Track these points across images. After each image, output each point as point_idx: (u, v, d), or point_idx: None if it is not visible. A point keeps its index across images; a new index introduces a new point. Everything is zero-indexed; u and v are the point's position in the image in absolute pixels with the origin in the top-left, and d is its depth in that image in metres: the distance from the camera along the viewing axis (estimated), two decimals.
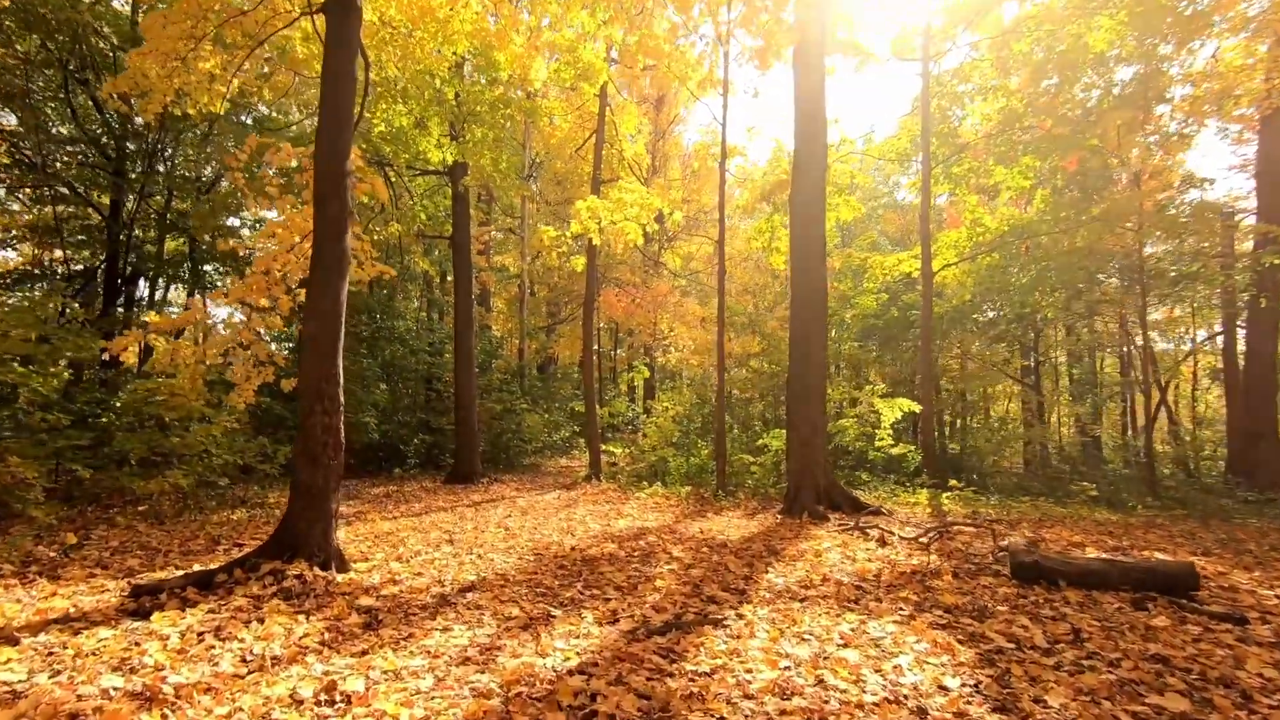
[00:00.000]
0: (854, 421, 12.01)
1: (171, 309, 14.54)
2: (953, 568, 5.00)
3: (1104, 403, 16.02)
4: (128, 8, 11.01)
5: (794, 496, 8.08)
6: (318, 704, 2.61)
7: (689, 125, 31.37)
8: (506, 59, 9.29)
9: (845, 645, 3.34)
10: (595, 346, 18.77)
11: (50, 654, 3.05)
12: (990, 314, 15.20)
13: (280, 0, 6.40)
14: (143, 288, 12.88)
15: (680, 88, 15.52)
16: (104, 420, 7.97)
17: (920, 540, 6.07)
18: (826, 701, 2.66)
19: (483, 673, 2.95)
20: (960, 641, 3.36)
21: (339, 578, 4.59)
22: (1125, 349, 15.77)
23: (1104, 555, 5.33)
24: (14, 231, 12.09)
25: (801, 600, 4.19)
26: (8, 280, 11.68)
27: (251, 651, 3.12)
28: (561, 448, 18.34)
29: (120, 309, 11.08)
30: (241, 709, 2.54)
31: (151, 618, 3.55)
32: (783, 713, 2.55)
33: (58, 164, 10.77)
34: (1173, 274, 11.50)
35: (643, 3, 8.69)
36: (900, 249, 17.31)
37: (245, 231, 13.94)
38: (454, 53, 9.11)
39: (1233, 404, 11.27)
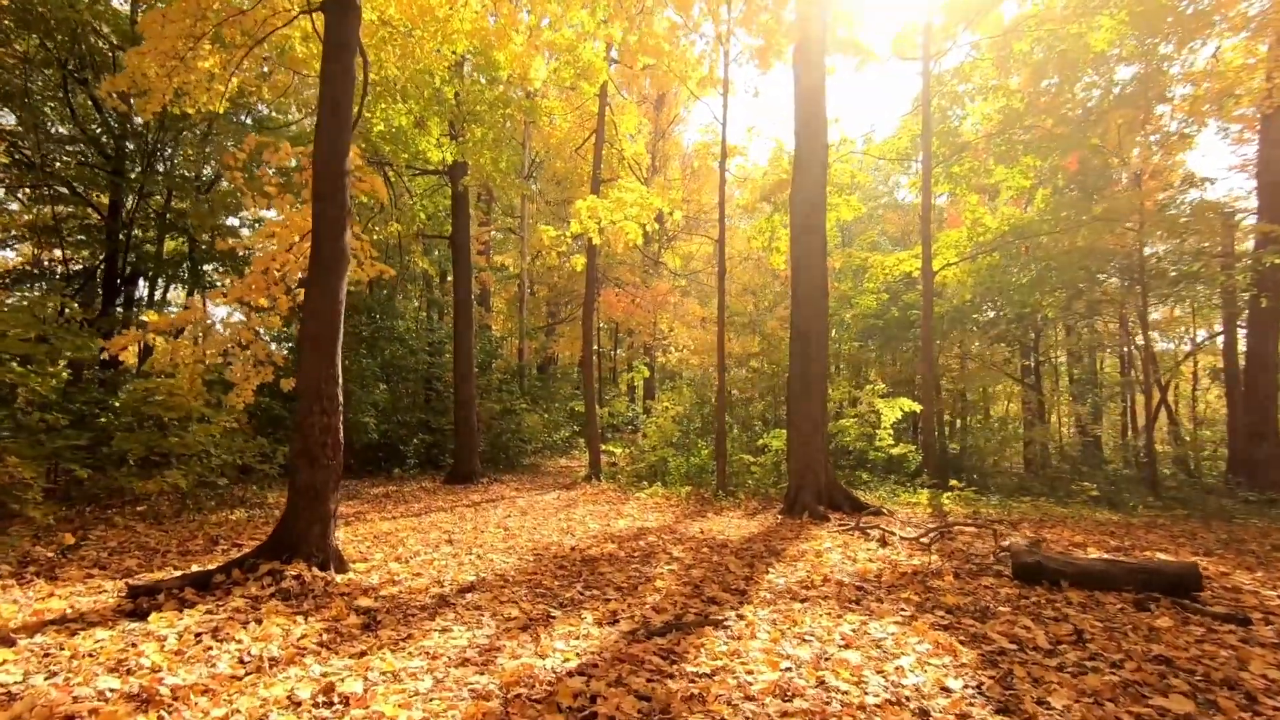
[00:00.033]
0: (854, 421, 11.99)
1: (171, 309, 14.51)
2: (954, 568, 4.98)
3: (1104, 403, 16.00)
4: (127, 7, 10.99)
5: (794, 497, 8.07)
6: (315, 706, 2.59)
7: (689, 125, 31.37)
8: (506, 58, 9.27)
9: (847, 646, 3.32)
10: (595, 346, 18.74)
11: (47, 655, 3.03)
12: (990, 314, 15.20)
13: None
14: (142, 288, 12.87)
15: (680, 87, 15.51)
16: (102, 420, 7.95)
17: (921, 540, 6.05)
18: (828, 703, 2.64)
19: (482, 674, 2.93)
20: (962, 642, 3.34)
21: (338, 578, 4.57)
22: (1125, 349, 15.76)
23: (1106, 556, 5.32)
24: (13, 231, 12.06)
25: (802, 601, 4.17)
26: (7, 280, 11.66)
27: (249, 653, 3.10)
28: (561, 448, 18.33)
29: (119, 309, 11.07)
30: (238, 711, 2.52)
31: (149, 618, 3.53)
32: (784, 715, 2.53)
33: (57, 163, 10.75)
34: (1173, 274, 11.49)
35: (642, 2, 8.68)
36: (901, 249, 17.30)
37: (245, 231, 13.92)
38: (453, 52, 9.08)
39: (1233, 404, 11.25)
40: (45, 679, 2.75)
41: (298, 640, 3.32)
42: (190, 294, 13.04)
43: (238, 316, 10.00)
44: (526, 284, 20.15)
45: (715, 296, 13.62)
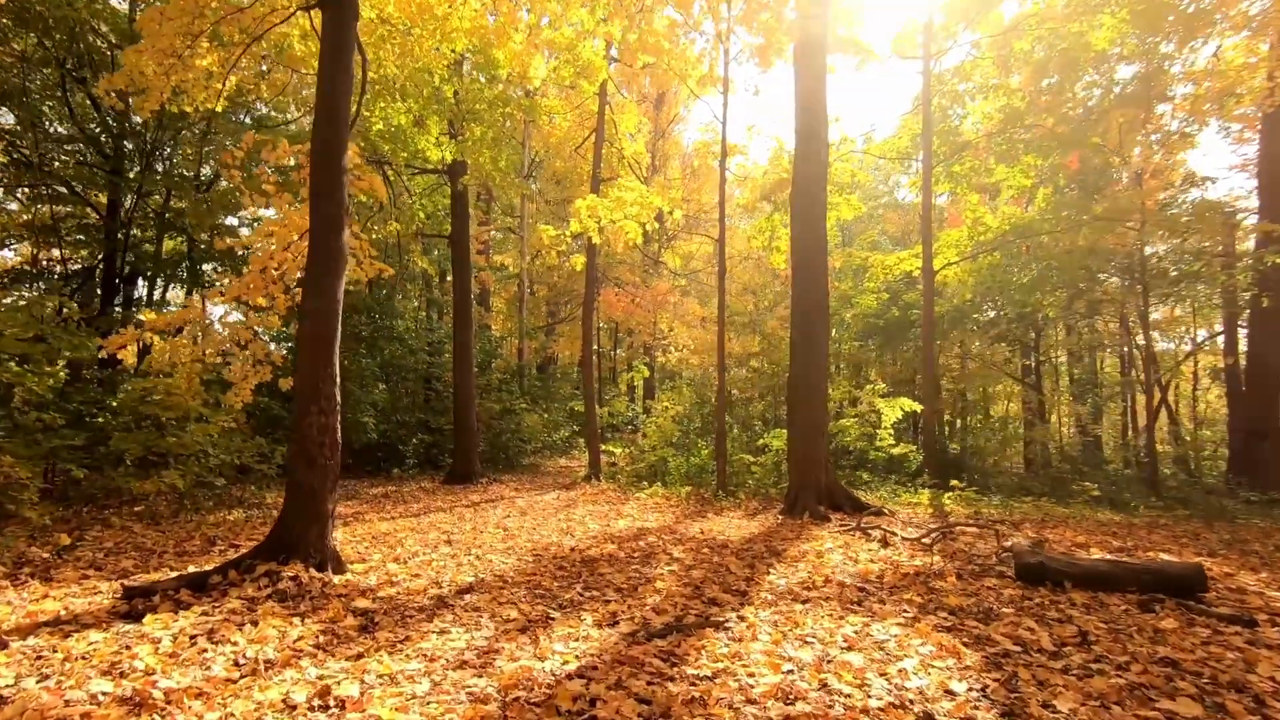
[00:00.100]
0: (855, 421, 11.96)
1: (170, 309, 14.47)
2: (956, 569, 4.95)
3: (1105, 403, 15.98)
4: (125, 5, 10.95)
5: (795, 497, 8.03)
6: (311, 709, 2.55)
7: (689, 124, 31.33)
8: (505, 57, 9.24)
9: (849, 648, 3.28)
10: (595, 346, 18.71)
11: (39, 657, 2.99)
12: (991, 313, 15.17)
13: None
14: (141, 287, 12.84)
15: (680, 86, 15.48)
16: (100, 420, 7.91)
17: (923, 541, 6.02)
18: (831, 706, 2.61)
19: (480, 677, 2.90)
20: (966, 644, 3.30)
21: (335, 579, 4.54)
22: (1126, 349, 15.73)
23: (1109, 556, 5.28)
24: (11, 231, 12.02)
25: (804, 602, 4.14)
26: (5, 280, 11.62)
27: (245, 655, 3.07)
28: (561, 448, 18.29)
29: (118, 308, 11.03)
30: (232, 714, 2.48)
31: (144, 620, 3.49)
32: (786, 718, 2.50)
33: (55, 163, 10.71)
34: (1174, 273, 11.46)
35: (642, 1, 8.64)
36: (901, 248, 17.27)
37: (244, 231, 13.88)
38: (452, 50, 9.05)
39: (1234, 404, 11.23)
40: (37, 682, 2.71)
41: (294, 642, 3.28)
42: (189, 293, 13.00)
43: (237, 316, 9.96)
44: (526, 283, 20.12)
45: (715, 296, 13.59)
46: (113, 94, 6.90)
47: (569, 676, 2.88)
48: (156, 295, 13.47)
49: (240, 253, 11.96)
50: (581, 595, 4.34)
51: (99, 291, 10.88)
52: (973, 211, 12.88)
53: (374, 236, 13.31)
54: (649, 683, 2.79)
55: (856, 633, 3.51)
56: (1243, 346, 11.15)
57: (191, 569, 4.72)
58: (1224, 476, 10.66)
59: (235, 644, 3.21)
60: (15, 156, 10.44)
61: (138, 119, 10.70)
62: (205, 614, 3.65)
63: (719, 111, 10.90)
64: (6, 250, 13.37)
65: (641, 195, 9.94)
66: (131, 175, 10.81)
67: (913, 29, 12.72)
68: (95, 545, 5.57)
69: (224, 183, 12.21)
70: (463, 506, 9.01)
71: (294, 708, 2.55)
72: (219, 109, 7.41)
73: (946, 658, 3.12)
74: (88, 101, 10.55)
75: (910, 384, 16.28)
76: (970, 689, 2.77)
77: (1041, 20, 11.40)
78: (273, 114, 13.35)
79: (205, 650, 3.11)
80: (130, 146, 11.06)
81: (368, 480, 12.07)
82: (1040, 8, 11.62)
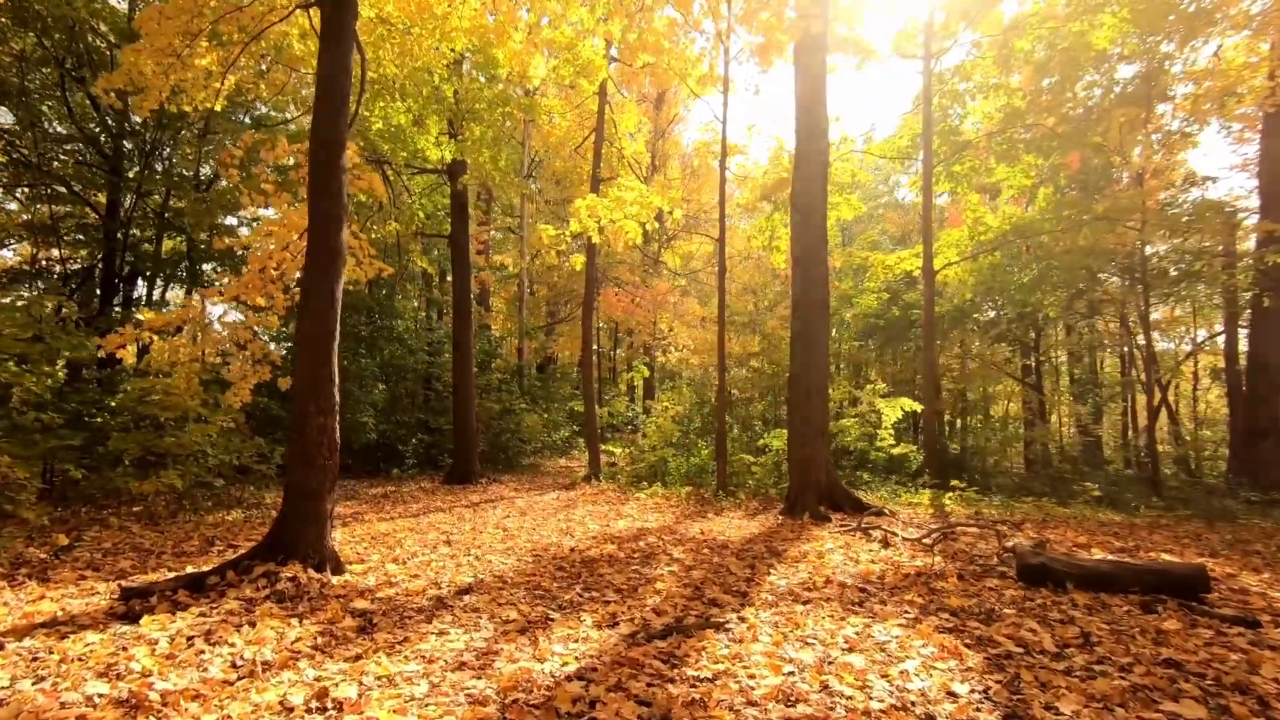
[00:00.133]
0: (855, 421, 11.94)
1: (169, 309, 14.45)
2: (957, 569, 4.93)
3: (1105, 403, 15.95)
4: (124, 4, 10.93)
5: (795, 497, 8.01)
6: (308, 711, 2.54)
7: (689, 124, 31.33)
8: (505, 56, 9.21)
9: (850, 649, 3.26)
10: (595, 346, 18.69)
11: (35, 659, 2.97)
12: (991, 313, 15.15)
13: None
14: (141, 287, 12.82)
15: (680, 86, 15.45)
16: (99, 420, 7.89)
17: (924, 541, 6.00)
18: (832, 708, 2.59)
19: (479, 678, 2.88)
20: (968, 645, 3.28)
21: (334, 580, 4.52)
22: (1126, 349, 15.71)
23: (1111, 557, 5.26)
24: (11, 230, 12.00)
25: (805, 603, 4.12)
26: (4, 279, 11.60)
27: (242, 656, 3.05)
28: (561, 448, 18.27)
29: (118, 308, 11.01)
30: (229, 716, 2.46)
31: (140, 621, 3.48)
32: None
33: (54, 162, 10.69)
34: (1174, 273, 11.44)
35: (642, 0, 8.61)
36: (901, 248, 17.26)
37: (243, 231, 13.87)
38: (452, 50, 9.03)
39: (1234, 404, 11.21)
40: (33, 684, 2.69)
41: (292, 644, 3.26)
42: (189, 293, 12.98)
43: (236, 316, 9.96)
44: (526, 283, 20.10)
45: (715, 296, 13.57)
46: (111, 93, 6.88)
47: (568, 678, 2.86)
48: (156, 295, 13.45)
49: (239, 252, 11.95)
50: (581, 596, 4.32)
51: (98, 291, 10.86)
52: (973, 211, 12.87)
53: (373, 236, 13.29)
54: (649, 684, 2.78)
55: (858, 634, 3.49)
56: (1243, 346, 11.14)
57: (189, 570, 4.70)
58: (1224, 477, 10.64)
59: (233, 645, 3.19)
60: (14, 156, 10.42)
61: (137, 118, 10.68)
62: (203, 615, 3.63)
63: (719, 111, 10.89)
64: (6, 250, 13.36)
65: (641, 195, 9.91)
66: (131, 175, 10.79)
67: (913, 28, 12.71)
68: (93, 546, 5.55)
69: (223, 182, 12.20)
70: (462, 507, 8.99)
71: (291, 710, 2.53)
72: (218, 108, 7.39)
73: (948, 659, 3.10)
74: (87, 101, 10.53)
75: (910, 384, 16.26)
76: (972, 691, 2.75)
77: (1042, 19, 11.38)
78: (272, 113, 13.33)
79: (202, 652, 3.09)
80: (129, 146, 11.04)
81: (367, 480, 12.05)
82: (1041, 7, 11.60)
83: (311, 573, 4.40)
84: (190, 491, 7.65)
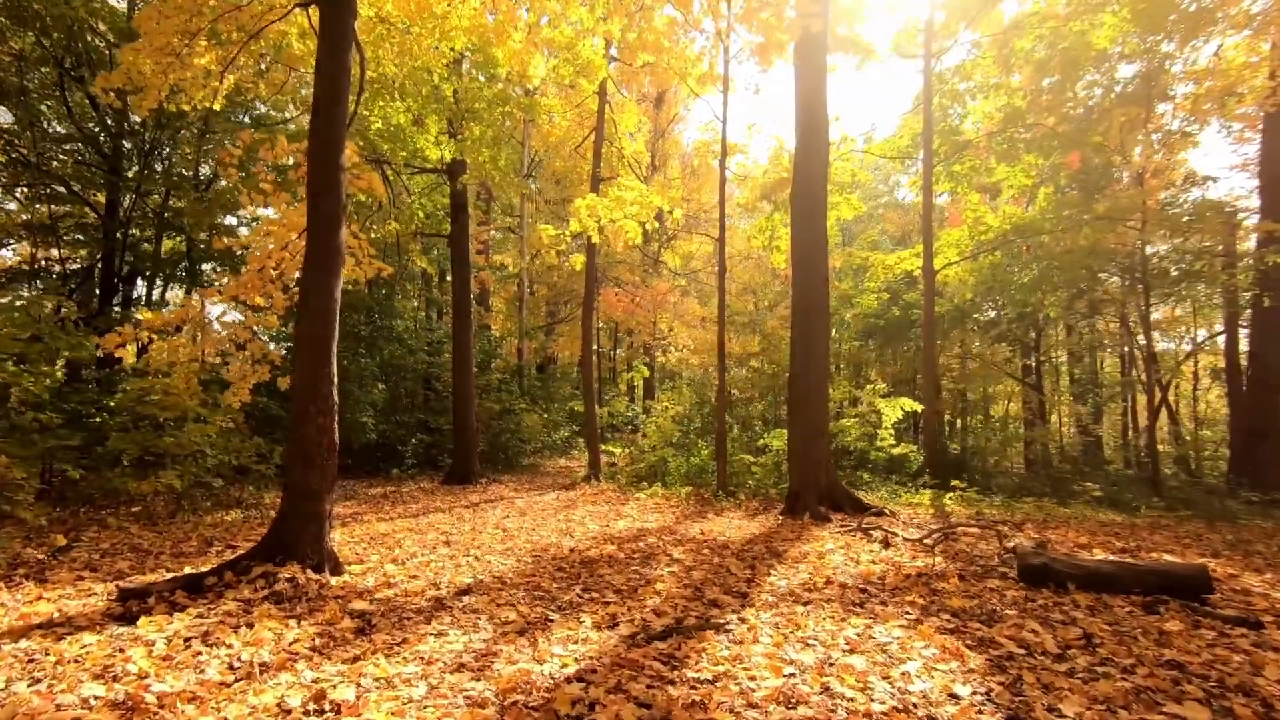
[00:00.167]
0: (855, 421, 11.92)
1: (169, 309, 14.44)
2: (958, 570, 4.91)
3: (1105, 403, 15.94)
4: (123, 4, 10.91)
5: (796, 497, 7.99)
6: (306, 714, 2.52)
7: (689, 123, 31.29)
8: (505, 55, 9.19)
9: (851, 651, 3.24)
10: (595, 346, 18.67)
11: (31, 661, 2.95)
12: (991, 313, 15.14)
13: None
14: (140, 287, 12.80)
15: (680, 85, 15.44)
16: (97, 420, 7.87)
17: (924, 542, 5.98)
18: (834, 711, 2.57)
19: (477, 680, 2.86)
20: (969, 647, 3.27)
21: (332, 581, 4.50)
22: (1126, 348, 15.70)
23: (1113, 557, 5.25)
24: (10, 230, 11.98)
25: (805, 604, 4.10)
26: (3, 279, 11.58)
27: (239, 658, 3.03)
28: (560, 448, 18.26)
29: (117, 308, 10.99)
30: (226, 719, 2.45)
31: (138, 623, 3.46)
32: None
33: (53, 162, 10.67)
34: (1175, 273, 11.43)
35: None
36: (901, 248, 17.25)
37: (243, 230, 13.85)
38: (451, 49, 9.01)
39: (1235, 404, 11.19)
40: (28, 686, 2.68)
41: (289, 645, 3.24)
42: (188, 293, 12.97)
43: (236, 316, 9.93)
44: (526, 283, 20.08)
45: (715, 296, 13.56)
46: (110, 93, 6.86)
47: (568, 680, 2.84)
48: (156, 295, 13.43)
49: (239, 252, 11.93)
50: (581, 597, 4.30)
51: (97, 291, 10.84)
52: (973, 211, 12.85)
53: (373, 236, 13.27)
54: (649, 686, 2.76)
55: (859, 635, 3.47)
56: (1244, 346, 11.12)
57: (188, 570, 4.68)
58: (1225, 477, 10.62)
59: (230, 647, 3.17)
60: (13, 156, 10.40)
61: (136, 118, 10.67)
62: (200, 616, 3.61)
63: (719, 110, 10.87)
64: (5, 250, 13.34)
65: (641, 194, 9.90)
66: (130, 174, 10.78)
67: (913, 27, 12.70)
68: (91, 546, 5.53)
69: (223, 182, 12.18)
70: (462, 507, 8.98)
71: (288, 712, 2.52)
72: (217, 108, 7.38)
73: (950, 660, 3.09)
74: (86, 101, 10.51)
75: (911, 384, 16.26)
76: (974, 693, 2.73)
77: (1043, 19, 11.36)
78: (271, 113, 13.32)
79: (200, 653, 3.08)
80: (129, 145, 11.03)
81: (366, 480, 12.03)
82: (1041, 6, 11.59)
83: (310, 573, 4.38)
84: (189, 492, 7.63)
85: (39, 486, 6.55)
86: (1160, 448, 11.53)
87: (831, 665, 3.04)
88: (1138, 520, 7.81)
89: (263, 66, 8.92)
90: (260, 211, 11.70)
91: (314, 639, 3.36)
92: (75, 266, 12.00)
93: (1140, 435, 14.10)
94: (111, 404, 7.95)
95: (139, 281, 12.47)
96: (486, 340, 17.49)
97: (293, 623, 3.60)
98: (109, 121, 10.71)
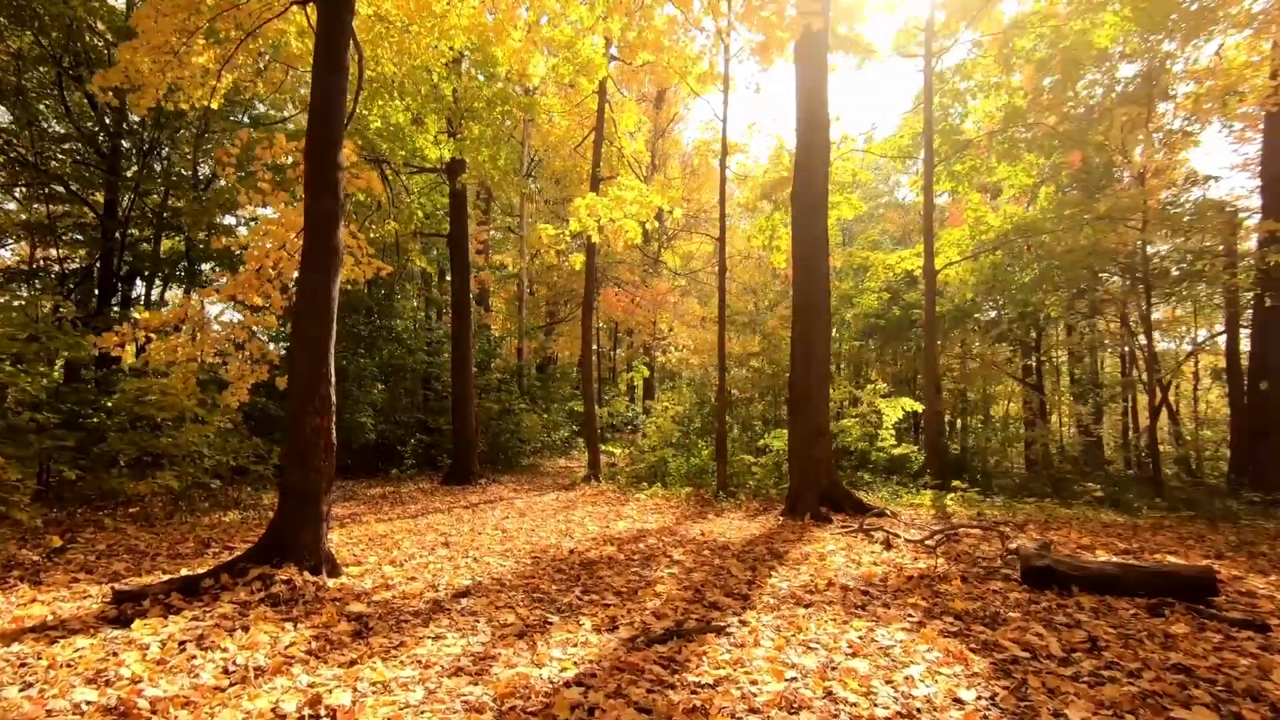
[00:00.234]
0: (856, 421, 11.89)
1: (167, 308, 14.39)
2: (961, 572, 4.88)
3: (1106, 403, 15.91)
4: (122, 2, 10.88)
5: (796, 498, 7.96)
6: (301, 719, 2.48)
7: (689, 123, 31.25)
8: (504, 54, 9.14)
9: (854, 654, 3.21)
10: (594, 346, 18.63)
11: (23, 665, 2.91)
12: (992, 313, 15.10)
13: None
14: (139, 287, 12.76)
15: (680, 84, 15.39)
16: (95, 420, 7.83)
17: (926, 543, 5.95)
18: (836, 715, 2.53)
19: (475, 684, 2.83)
20: (973, 650, 3.23)
21: (330, 583, 4.46)
22: (1127, 348, 15.66)
23: (1116, 559, 5.21)
24: (8, 230, 11.94)
25: (807, 606, 4.06)
26: (1, 279, 11.53)
27: (234, 662, 2.99)
28: (560, 448, 18.22)
29: (116, 308, 10.95)
30: None
31: (132, 625, 3.42)
32: None
33: (52, 162, 10.64)
34: (1176, 273, 11.39)
35: None
36: (902, 247, 17.21)
37: (242, 230, 13.80)
38: (451, 48, 8.98)
39: (1235, 404, 11.16)
40: (19, 690, 2.64)
41: (285, 648, 3.21)
42: (187, 293, 12.93)
43: (235, 316, 9.89)
44: (525, 283, 20.04)
45: (715, 296, 13.52)
46: (109, 92, 6.83)
47: (567, 684, 2.80)
48: (155, 295, 13.39)
49: (237, 252, 11.89)
50: (580, 599, 4.27)
51: (96, 291, 10.80)
52: (974, 210, 12.82)
53: (372, 235, 13.23)
54: (649, 691, 2.72)
55: (861, 638, 3.44)
56: (1244, 346, 11.08)
57: (184, 572, 4.64)
58: (1226, 477, 10.59)
59: (225, 650, 3.13)
60: (12, 155, 10.36)
61: (135, 117, 10.63)
62: (196, 619, 3.57)
63: (719, 110, 10.83)
64: (3, 250, 13.30)
65: (641, 194, 9.86)
66: (129, 174, 10.74)
67: (914, 27, 12.66)
68: (87, 547, 5.50)
69: (221, 181, 12.14)
70: (461, 508, 8.94)
71: (283, 718, 2.48)
72: (215, 106, 7.35)
73: (954, 664, 3.05)
74: (84, 100, 10.48)
75: (911, 384, 16.22)
76: (979, 697, 2.69)
77: (1043, 18, 11.33)
78: (270, 112, 13.28)
79: (194, 657, 3.04)
80: (127, 145, 10.99)
81: (365, 481, 11.99)
82: (1042, 5, 11.55)
83: (307, 575, 4.35)
84: (187, 492, 7.59)
85: (35, 487, 6.50)
86: (1161, 448, 11.50)
87: (834, 669, 3.01)
88: (1140, 521, 7.77)
89: (261, 65, 8.89)
90: (260, 211, 11.66)
91: (310, 642, 3.32)
92: (74, 266, 11.97)
93: (1141, 435, 14.07)
94: (109, 404, 7.91)
95: (138, 281, 12.43)
96: (486, 340, 17.45)
97: (289, 626, 3.57)
98: (107, 121, 10.67)
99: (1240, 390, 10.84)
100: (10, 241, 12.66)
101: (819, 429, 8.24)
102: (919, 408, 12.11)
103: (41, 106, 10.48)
